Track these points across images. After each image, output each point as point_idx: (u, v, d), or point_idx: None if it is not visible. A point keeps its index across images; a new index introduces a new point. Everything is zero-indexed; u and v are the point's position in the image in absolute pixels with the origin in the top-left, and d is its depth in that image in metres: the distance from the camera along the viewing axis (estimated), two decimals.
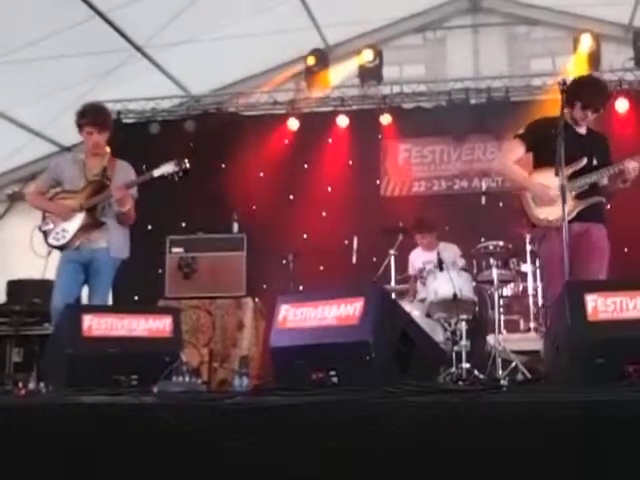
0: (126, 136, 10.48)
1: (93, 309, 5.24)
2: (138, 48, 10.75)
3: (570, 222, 5.65)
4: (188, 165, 6.59)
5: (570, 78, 6.16)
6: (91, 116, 6.63)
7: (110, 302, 7.36)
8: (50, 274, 6.89)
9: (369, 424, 3.40)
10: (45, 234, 6.63)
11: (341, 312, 4.17)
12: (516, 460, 3.25)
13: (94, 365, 4.56)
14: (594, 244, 5.84)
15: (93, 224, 6.57)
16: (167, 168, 6.57)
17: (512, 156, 6.22)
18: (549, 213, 5.93)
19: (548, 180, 5.92)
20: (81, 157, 6.77)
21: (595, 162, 5.94)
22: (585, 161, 5.87)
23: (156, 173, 6.58)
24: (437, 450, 3.34)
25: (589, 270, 5.60)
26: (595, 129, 6.25)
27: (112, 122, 6.95)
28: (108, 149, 6.88)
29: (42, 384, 5.08)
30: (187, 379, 4.30)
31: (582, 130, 6.08)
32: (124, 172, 6.76)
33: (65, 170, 6.72)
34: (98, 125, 6.64)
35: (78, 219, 6.55)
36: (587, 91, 5.98)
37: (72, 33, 9.55)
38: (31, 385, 5.27)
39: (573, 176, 5.81)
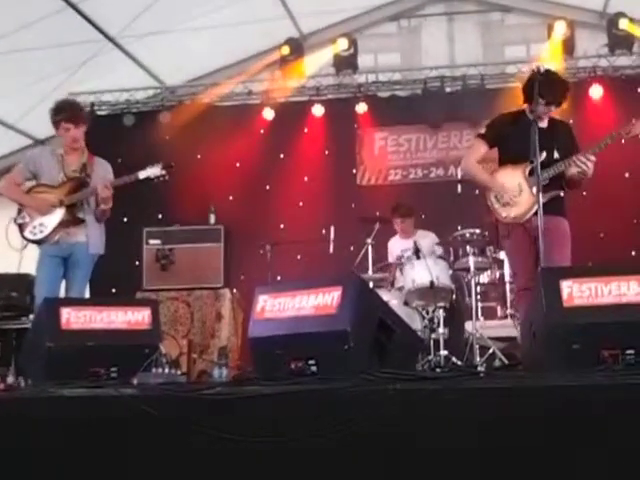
0: (100, 128, 10.41)
1: (71, 302, 5.22)
2: (111, 39, 10.69)
3: (532, 216, 5.74)
4: (173, 166, 6.60)
5: (543, 65, 6.17)
6: (67, 112, 6.61)
7: (87, 296, 7.33)
8: (25, 268, 6.87)
9: (348, 412, 3.43)
10: (21, 227, 6.58)
11: (319, 302, 4.17)
12: (494, 444, 3.28)
13: (73, 358, 4.56)
14: (556, 237, 5.80)
15: (72, 221, 6.55)
16: (154, 171, 6.57)
17: (475, 156, 6.28)
18: (510, 211, 5.99)
19: (509, 177, 6.02)
20: (59, 152, 6.72)
21: (557, 155, 5.93)
22: (544, 155, 5.81)
23: (142, 175, 6.58)
24: (416, 436, 3.37)
25: (552, 262, 5.64)
26: (567, 120, 6.26)
27: (87, 116, 6.93)
28: (84, 144, 6.84)
29: (21, 378, 5.07)
30: (166, 371, 4.30)
31: (543, 124, 6.03)
32: (103, 169, 6.76)
33: (44, 163, 6.68)
34: (74, 120, 6.61)
35: (57, 215, 6.52)
36: (550, 87, 5.93)
37: (44, 25, 9.49)
38: (10, 379, 5.25)
39: (533, 172, 5.75)
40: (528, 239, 5.88)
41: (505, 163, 6.11)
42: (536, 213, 5.69)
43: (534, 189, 5.82)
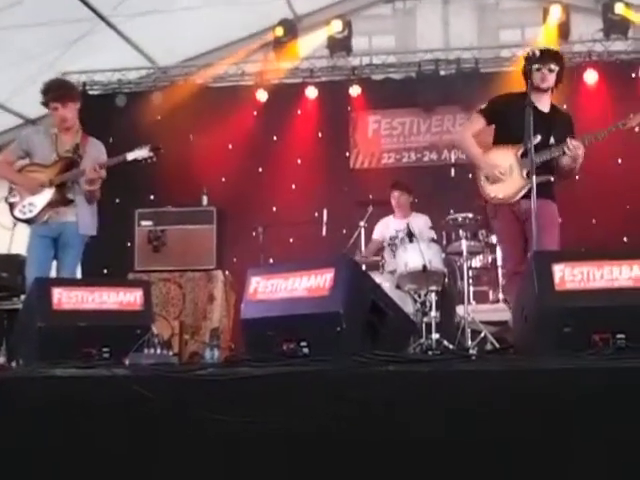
0: (92, 108, 10.35)
1: (63, 282, 5.19)
2: (103, 18, 10.59)
3: (521, 199, 5.81)
4: (162, 149, 6.58)
5: (538, 48, 6.17)
6: (53, 92, 6.60)
7: (79, 277, 7.32)
8: (16, 248, 6.85)
9: (340, 394, 3.43)
10: (11, 206, 6.58)
11: (311, 283, 4.17)
12: (485, 427, 3.29)
13: (65, 338, 4.55)
14: (545, 221, 5.75)
15: (61, 200, 6.54)
16: (142, 153, 6.54)
17: (471, 129, 6.31)
18: (498, 191, 6.03)
19: (501, 157, 6.04)
20: (53, 131, 6.70)
21: (553, 140, 5.95)
22: (539, 138, 5.80)
23: (130, 157, 6.55)
24: (408, 418, 3.37)
25: (542, 246, 5.65)
26: (561, 105, 6.28)
27: (78, 94, 6.89)
28: (79, 124, 6.81)
29: (13, 358, 5.07)
30: (159, 351, 4.30)
31: (544, 108, 6.06)
32: (96, 150, 6.73)
33: (37, 142, 6.67)
34: (61, 99, 6.59)
35: (46, 194, 6.51)
36: (539, 53, 5.92)
37: (35, 3, 9.40)
38: (1, 359, 5.26)
39: (526, 154, 5.77)
40: (516, 222, 5.94)
41: (500, 142, 6.12)
42: (525, 196, 5.72)
43: (525, 171, 5.84)
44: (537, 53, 5.80)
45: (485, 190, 6.10)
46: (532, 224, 5.38)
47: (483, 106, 6.32)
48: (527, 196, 5.72)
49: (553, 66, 6.01)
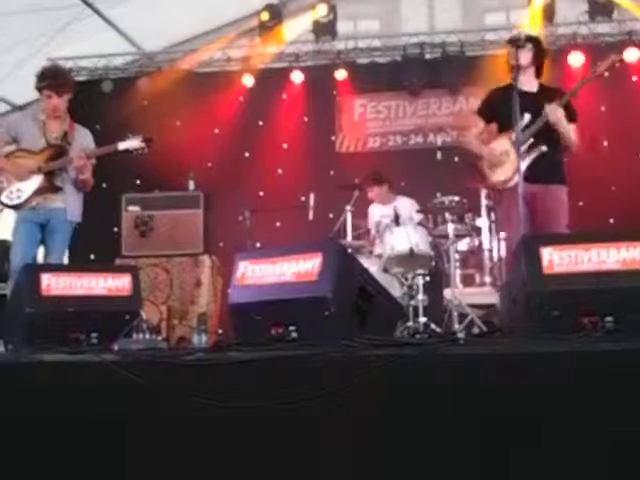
0: (79, 94, 10.26)
1: (51, 268, 5.20)
2: (89, 4, 10.54)
3: (524, 182, 5.79)
4: (152, 140, 6.58)
5: (523, 31, 6.32)
6: (50, 80, 6.57)
7: (66, 262, 7.32)
8: (2, 234, 6.84)
9: (329, 378, 3.45)
10: None
11: (299, 268, 4.18)
12: (473, 410, 3.31)
13: (54, 324, 4.54)
14: (550, 205, 6.04)
15: (50, 188, 6.53)
16: (133, 143, 6.56)
17: (474, 131, 6.54)
18: (500, 174, 6.20)
19: (498, 144, 6.25)
20: (41, 117, 6.68)
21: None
22: (528, 118, 5.96)
23: (121, 146, 6.56)
24: (397, 402, 3.39)
25: (545, 231, 5.76)
26: (552, 85, 6.37)
27: (72, 84, 6.84)
28: (67, 112, 6.80)
29: (1, 343, 5.07)
30: (147, 336, 4.32)
31: (531, 89, 6.24)
32: (83, 138, 6.74)
33: (25, 129, 6.65)
34: (56, 88, 6.57)
35: (35, 181, 6.50)
36: (541, 44, 6.34)
37: None
38: None
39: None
40: (523, 206, 5.94)
41: (499, 133, 6.31)
42: (528, 179, 5.79)
43: (524, 147, 5.96)
44: (515, 36, 6.03)
45: (490, 178, 6.29)
46: (528, 207, 5.60)
47: (479, 106, 6.55)
48: (530, 179, 5.85)
49: (526, 44, 6.15)
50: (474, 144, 6.45)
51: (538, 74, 6.37)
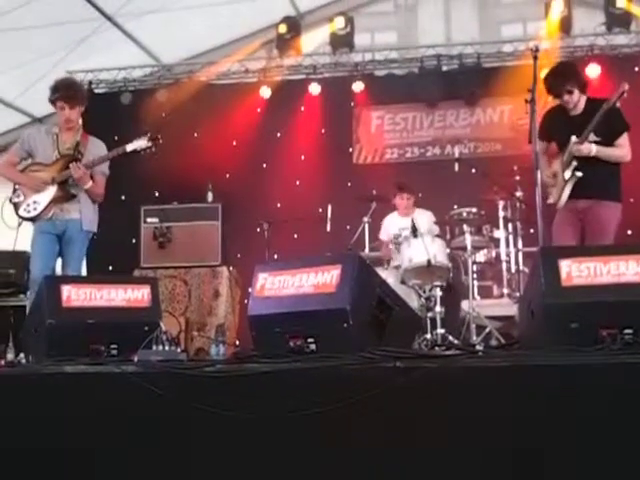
0: (98, 106, 10.39)
1: (71, 280, 5.23)
2: (108, 17, 10.65)
3: (574, 199, 6.08)
4: (161, 139, 6.61)
5: (541, 44, 6.32)
6: (62, 92, 6.65)
7: (83, 273, 7.36)
8: (21, 246, 6.91)
9: (348, 390, 3.46)
10: (16, 206, 6.67)
11: (318, 280, 4.19)
12: (491, 424, 3.31)
13: (74, 335, 4.58)
14: (593, 224, 6.10)
15: (65, 196, 6.60)
16: (140, 143, 6.61)
17: (541, 153, 6.35)
18: (552, 196, 6.29)
19: (556, 165, 6.30)
20: (54, 130, 6.78)
21: (593, 137, 6.06)
22: (573, 139, 6.06)
23: (129, 148, 6.63)
24: (416, 414, 3.40)
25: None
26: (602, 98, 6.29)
27: (85, 97, 6.90)
28: (81, 122, 6.86)
29: (22, 355, 5.11)
30: (167, 348, 4.32)
31: (576, 111, 6.27)
32: (96, 148, 6.78)
33: (38, 142, 6.74)
34: (69, 101, 6.64)
35: (50, 192, 6.58)
36: (549, 84, 6.30)
37: (42, 3, 9.45)
38: (9, 356, 5.29)
39: (570, 157, 6.10)
40: (573, 224, 6.19)
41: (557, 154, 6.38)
42: (576, 196, 6.07)
43: (567, 173, 6.11)
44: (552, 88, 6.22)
45: (548, 200, 6.31)
46: (577, 225, 6.05)
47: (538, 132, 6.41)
48: (580, 196, 6.08)
49: (569, 87, 6.19)
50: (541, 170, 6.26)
51: (583, 91, 6.32)
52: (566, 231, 6.13)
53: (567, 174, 6.08)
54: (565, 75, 6.28)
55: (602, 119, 5.99)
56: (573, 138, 6.04)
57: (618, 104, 6.08)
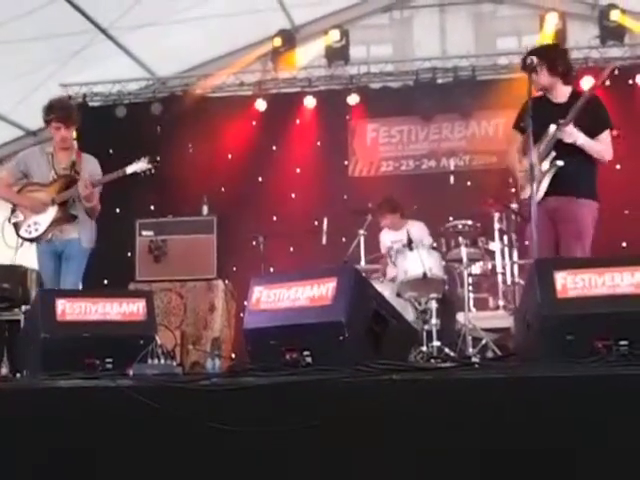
0: (92, 119, 10.38)
1: (66, 294, 5.21)
2: (103, 30, 10.65)
3: (546, 197, 5.74)
4: (159, 161, 6.65)
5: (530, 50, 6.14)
6: (58, 112, 6.68)
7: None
8: (19, 262, 6.92)
9: (344, 403, 3.45)
10: (16, 226, 6.69)
11: (314, 293, 4.18)
12: (488, 435, 3.31)
13: (69, 349, 4.56)
14: (568, 222, 5.78)
15: (65, 218, 6.65)
16: (140, 165, 6.66)
17: (513, 146, 6.28)
18: (526, 191, 5.87)
19: (526, 159, 5.85)
20: (49, 150, 6.81)
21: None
22: (553, 129, 5.75)
23: (129, 170, 6.68)
24: (412, 427, 3.39)
25: (567, 247, 5.68)
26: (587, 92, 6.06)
27: (79, 116, 6.93)
28: (75, 143, 6.89)
29: (15, 369, 5.09)
30: (162, 361, 4.31)
31: (560, 99, 5.99)
32: (91, 166, 6.82)
33: (34, 163, 6.78)
34: (65, 121, 6.68)
35: (50, 213, 6.62)
36: (550, 53, 6.05)
37: (36, 16, 9.43)
38: (3, 370, 5.28)
39: (544, 148, 5.79)
40: (547, 222, 5.77)
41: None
42: (548, 193, 5.74)
43: (543, 165, 5.78)
44: (526, 63, 5.78)
45: (521, 195, 6.12)
46: (552, 223, 5.71)
47: (514, 120, 6.21)
48: (553, 193, 5.75)
49: (539, 65, 5.83)
50: (509, 163, 6.30)
51: (567, 81, 6.05)
52: (546, 233, 5.71)
53: (545, 165, 5.76)
54: (539, 53, 5.93)
55: (587, 112, 5.73)
56: (552, 126, 5.74)
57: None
